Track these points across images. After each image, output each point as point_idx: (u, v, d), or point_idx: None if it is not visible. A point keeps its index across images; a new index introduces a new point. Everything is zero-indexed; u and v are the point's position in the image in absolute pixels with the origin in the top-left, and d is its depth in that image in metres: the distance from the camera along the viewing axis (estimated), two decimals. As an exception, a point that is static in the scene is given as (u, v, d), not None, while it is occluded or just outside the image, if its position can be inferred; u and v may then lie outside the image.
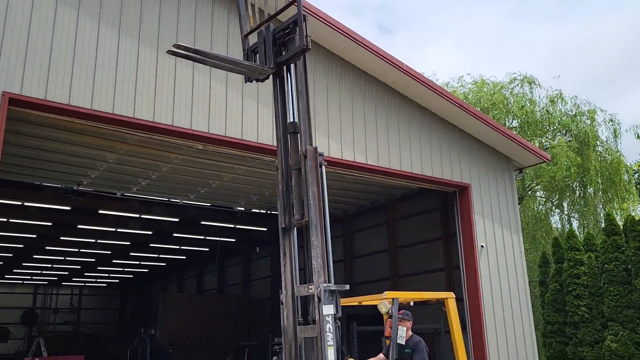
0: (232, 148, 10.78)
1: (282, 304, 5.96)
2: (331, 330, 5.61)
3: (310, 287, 5.74)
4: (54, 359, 18.25)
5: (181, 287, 32.75)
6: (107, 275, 34.56)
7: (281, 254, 6.06)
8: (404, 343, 6.45)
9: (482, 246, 13.96)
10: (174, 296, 27.13)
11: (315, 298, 5.69)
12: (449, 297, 6.71)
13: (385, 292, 6.10)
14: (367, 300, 6.72)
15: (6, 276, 32.42)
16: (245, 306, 26.64)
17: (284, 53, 6.14)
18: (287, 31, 6.08)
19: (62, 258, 27.19)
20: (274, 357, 14.47)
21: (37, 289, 38.07)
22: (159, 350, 20.72)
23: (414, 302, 7.04)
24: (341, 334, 5.89)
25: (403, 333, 6.41)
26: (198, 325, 24.94)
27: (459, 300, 14.59)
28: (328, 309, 5.66)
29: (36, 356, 19.23)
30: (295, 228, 6.05)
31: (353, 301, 6.79)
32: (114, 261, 28.79)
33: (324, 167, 6.17)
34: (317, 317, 5.62)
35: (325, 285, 5.71)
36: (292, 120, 6.26)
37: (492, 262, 14.11)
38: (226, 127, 10.28)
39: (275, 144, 6.58)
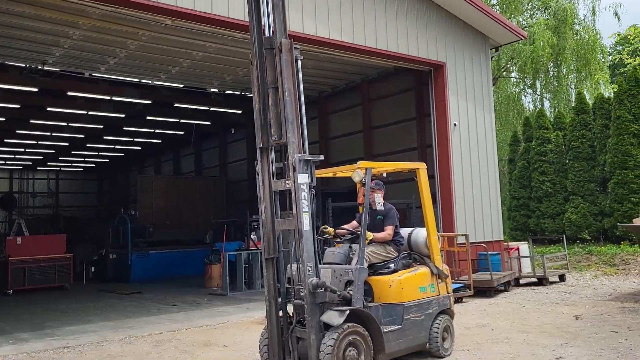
0: (202, 23, 10.42)
1: (260, 199, 6.16)
2: (306, 198, 5.83)
3: (287, 182, 5.92)
4: (36, 238, 18.63)
5: (158, 171, 32.96)
6: (82, 159, 34.46)
7: (260, 168, 6.14)
8: (382, 208, 6.77)
9: (454, 125, 14.19)
10: (151, 178, 27.37)
11: (290, 167, 5.84)
12: (421, 167, 6.94)
13: (358, 162, 6.28)
14: (341, 171, 6.91)
15: (-21, 161, 32.20)
16: (223, 187, 27.10)
17: None
18: None
19: (35, 142, 26.88)
20: (252, 233, 15.04)
21: (12, 173, 38.02)
22: (140, 229, 21.27)
23: (387, 173, 7.28)
24: (316, 206, 6.14)
25: (380, 199, 6.70)
26: (177, 206, 25.45)
27: (431, 178, 15.08)
28: (303, 178, 5.84)
29: (18, 235, 19.65)
30: (272, 147, 6.14)
31: (327, 172, 6.97)
32: (88, 145, 28.59)
33: (299, 61, 6.10)
34: (292, 185, 5.80)
35: (299, 155, 5.85)
36: (268, 35, 6.09)
37: (463, 140, 14.42)
38: (195, 0, 9.86)
39: (247, 20, 6.40)
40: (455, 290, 11.10)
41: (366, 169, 6.30)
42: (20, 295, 16.05)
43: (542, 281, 13.59)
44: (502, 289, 12.68)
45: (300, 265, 5.77)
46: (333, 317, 5.67)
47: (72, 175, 40.48)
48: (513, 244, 15.86)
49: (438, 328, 6.66)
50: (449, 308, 6.95)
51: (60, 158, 33.49)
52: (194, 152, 29.58)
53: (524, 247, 15.37)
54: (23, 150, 29.26)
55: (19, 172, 38.37)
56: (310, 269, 5.76)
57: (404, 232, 7.30)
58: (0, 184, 37.53)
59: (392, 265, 6.63)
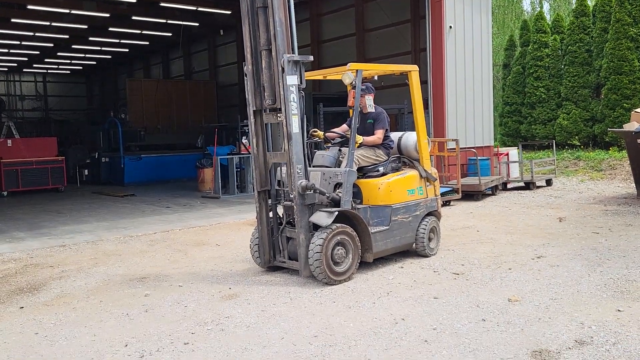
0: None
1: (251, 133, 6.09)
2: (295, 100, 5.77)
3: (279, 115, 5.82)
4: (27, 140, 18.56)
5: (148, 75, 32.32)
6: (69, 62, 33.58)
7: (253, 130, 6.01)
8: (372, 111, 6.73)
9: (450, 27, 13.80)
10: (140, 82, 26.89)
11: (279, 69, 5.72)
12: (413, 69, 6.80)
13: (349, 64, 6.14)
14: (331, 73, 6.78)
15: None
16: (213, 91, 26.75)
17: None
18: None
19: (18, 42, 26.03)
20: (244, 137, 15.01)
21: (-2, 76, 37.29)
22: (131, 133, 21.19)
23: (379, 77, 7.17)
24: (305, 109, 6.08)
25: (370, 102, 6.64)
26: (168, 109, 25.22)
27: (424, 83, 14.89)
28: (291, 79, 5.74)
29: (8, 138, 19.55)
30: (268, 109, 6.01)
31: (317, 74, 6.84)
32: (73, 47, 27.76)
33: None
34: (280, 89, 5.71)
35: (288, 55, 5.72)
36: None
37: (458, 44, 14.09)
38: None
39: None
40: (443, 194, 11.32)
41: (357, 70, 6.18)
42: (15, 197, 16.26)
43: (529, 185, 13.85)
44: (490, 193, 12.94)
45: (290, 167, 5.81)
46: (322, 217, 5.80)
47: (60, 78, 39.68)
48: (503, 150, 16.01)
49: (425, 229, 6.84)
50: (436, 210, 7.10)
51: (45, 60, 32.63)
52: (182, 56, 28.90)
53: (513, 153, 15.52)
54: (6, 51, 28.39)
55: (5, 74, 37.56)
56: (299, 171, 5.81)
57: (394, 136, 7.31)
58: (-13, 86, 36.95)
59: (381, 169, 6.69)
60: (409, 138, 7.14)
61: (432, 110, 13.98)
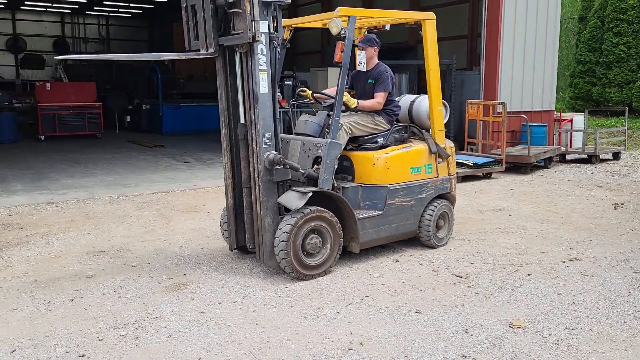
0: None
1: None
2: (264, 53, 4.63)
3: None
4: (65, 85, 18.26)
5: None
6: (126, 4, 33.22)
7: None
8: (364, 70, 5.49)
9: (511, -29, 11.94)
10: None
11: (248, 15, 4.56)
12: (427, 17, 5.43)
13: (338, 9, 4.88)
14: (314, 20, 5.50)
15: (26, 2, 31.65)
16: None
17: None
18: None
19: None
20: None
21: (63, 17, 37.59)
22: (171, 81, 20.59)
23: (392, 27, 5.86)
24: (281, 65, 4.94)
25: (362, 59, 5.38)
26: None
27: (478, 36, 13.14)
28: (261, 26, 4.58)
29: (57, 81, 19.42)
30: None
31: (297, 22, 5.56)
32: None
33: None
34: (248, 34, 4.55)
35: (256, -4, 4.54)
36: None
37: (520, -8, 12.23)
38: None
39: None
40: (482, 165, 9.98)
41: (348, 17, 4.92)
42: (51, 142, 16.05)
43: (591, 159, 12.10)
44: (542, 166, 11.35)
45: (255, 135, 4.74)
46: (292, 199, 4.73)
47: (121, 22, 39.64)
48: (567, 115, 14.18)
49: (432, 215, 5.64)
50: (448, 192, 5.85)
51: (104, 2, 32.42)
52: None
53: (578, 119, 13.70)
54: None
55: (70, 17, 37.85)
56: (267, 140, 4.73)
57: (406, 99, 6.04)
58: (53, 28, 37.36)
59: (380, 140, 5.49)
60: (423, 103, 5.85)
61: (484, 68, 12.34)
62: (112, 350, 3.63)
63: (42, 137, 16.48)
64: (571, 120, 13.64)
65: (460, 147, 11.67)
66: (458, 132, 12.58)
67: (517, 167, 10.86)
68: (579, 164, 11.88)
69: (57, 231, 6.58)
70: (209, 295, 4.58)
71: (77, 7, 34.49)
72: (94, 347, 3.68)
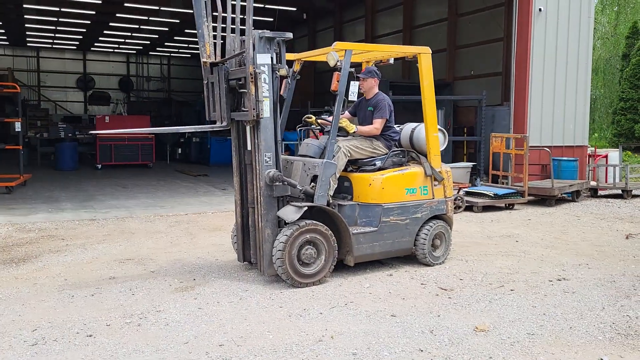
0: None
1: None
2: (266, 82, 5.25)
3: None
4: (122, 118, 19.71)
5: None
6: (185, 45, 35.26)
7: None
8: (355, 99, 6.04)
9: (540, 10, 12.30)
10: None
11: (251, 46, 5.21)
12: (422, 52, 5.93)
13: (334, 43, 5.46)
14: (316, 54, 6.09)
15: (96, 44, 34.19)
16: (311, 77, 26.58)
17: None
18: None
19: (137, 26, 27.73)
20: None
21: (129, 57, 40.20)
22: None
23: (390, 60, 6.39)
24: (284, 91, 5.55)
25: (355, 89, 5.92)
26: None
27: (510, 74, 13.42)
28: (262, 58, 5.23)
29: (118, 114, 20.85)
30: None
31: (299, 56, 6.18)
32: (186, 30, 29.02)
33: None
34: (248, 66, 5.19)
35: (259, 32, 5.21)
36: None
37: (550, 28, 12.54)
38: None
39: None
40: (503, 196, 10.19)
41: (345, 51, 5.50)
42: (106, 170, 17.29)
43: (623, 194, 12.04)
44: (569, 199, 11.41)
45: (257, 155, 5.32)
46: (289, 212, 5.25)
47: (181, 62, 41.94)
48: (602, 151, 14.16)
49: (427, 234, 6.01)
50: (444, 214, 6.22)
51: (165, 44, 34.55)
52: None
53: (613, 155, 13.67)
54: (129, 34, 30.41)
55: (135, 57, 40.46)
56: (268, 159, 5.30)
57: (408, 127, 6.51)
58: (119, 67, 39.98)
59: (378, 163, 5.96)
60: (422, 130, 6.30)
61: (514, 103, 12.62)
62: (115, 333, 4.20)
63: (99, 166, 17.76)
64: (606, 156, 13.61)
65: (494, 180, 11.92)
66: (489, 164, 12.81)
67: (543, 199, 10.98)
68: (609, 199, 11.84)
69: (93, 242, 7.32)
70: (210, 296, 5.11)
71: (141, 47, 36.86)
72: (101, 330, 4.26)
